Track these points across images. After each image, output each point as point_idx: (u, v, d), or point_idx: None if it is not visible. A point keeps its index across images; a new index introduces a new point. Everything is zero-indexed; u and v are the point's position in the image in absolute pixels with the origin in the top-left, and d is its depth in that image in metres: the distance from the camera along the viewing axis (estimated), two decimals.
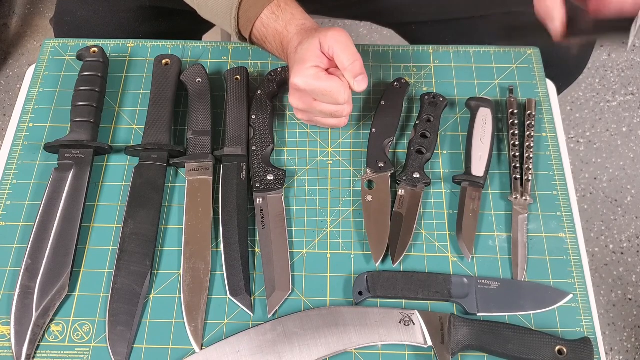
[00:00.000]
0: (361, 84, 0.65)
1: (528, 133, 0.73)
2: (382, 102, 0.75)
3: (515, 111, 0.74)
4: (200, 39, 0.99)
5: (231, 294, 0.63)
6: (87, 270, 0.65)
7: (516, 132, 0.73)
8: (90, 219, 0.68)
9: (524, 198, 0.69)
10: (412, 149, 0.72)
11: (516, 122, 0.74)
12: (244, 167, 0.70)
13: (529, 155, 0.71)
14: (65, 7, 0.89)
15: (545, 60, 0.80)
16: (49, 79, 0.78)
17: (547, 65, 0.80)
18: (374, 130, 0.73)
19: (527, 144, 0.72)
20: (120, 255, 0.64)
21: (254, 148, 0.71)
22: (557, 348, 0.58)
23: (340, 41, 0.63)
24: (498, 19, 0.88)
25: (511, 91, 0.77)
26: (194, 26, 0.93)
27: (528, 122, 0.74)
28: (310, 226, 0.68)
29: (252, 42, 0.71)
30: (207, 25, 0.98)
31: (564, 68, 0.87)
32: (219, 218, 0.67)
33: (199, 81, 0.75)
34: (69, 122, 0.72)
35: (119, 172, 0.71)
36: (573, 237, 0.68)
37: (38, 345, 0.60)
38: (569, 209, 0.69)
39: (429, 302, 0.63)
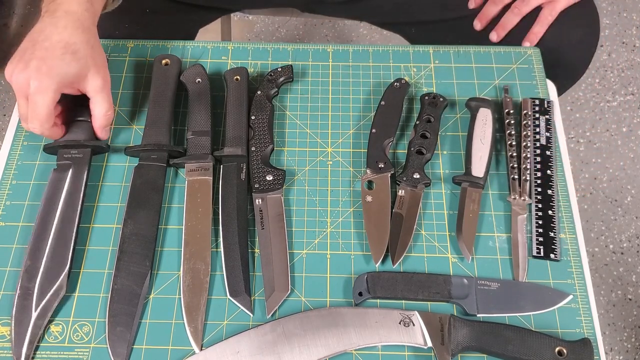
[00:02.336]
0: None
1: (525, 133, 0.73)
2: (382, 102, 0.75)
3: (511, 111, 0.74)
4: (193, 33, 0.99)
5: (231, 295, 0.63)
6: (87, 270, 0.65)
7: (513, 132, 0.73)
8: (90, 220, 0.68)
9: (522, 198, 0.69)
10: (412, 149, 0.72)
11: (512, 122, 0.74)
12: (244, 167, 0.70)
13: (526, 155, 0.71)
14: None
15: (545, 61, 0.80)
16: None
17: (547, 67, 0.80)
18: (374, 130, 0.73)
19: (524, 143, 0.72)
20: (120, 255, 0.64)
21: (253, 149, 0.71)
22: (557, 349, 0.58)
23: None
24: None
25: (506, 91, 0.77)
26: (181, 18, 0.93)
27: (524, 122, 0.74)
28: (310, 226, 0.68)
29: None
30: (197, 19, 0.97)
31: (564, 69, 0.87)
32: (218, 218, 0.67)
33: (198, 81, 0.75)
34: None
35: (118, 173, 0.71)
36: (573, 237, 0.67)
37: (37, 346, 0.60)
38: (569, 209, 0.69)
39: (428, 302, 0.63)
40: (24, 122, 0.67)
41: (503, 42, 0.87)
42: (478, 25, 0.89)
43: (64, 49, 0.64)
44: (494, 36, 0.87)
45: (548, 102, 0.75)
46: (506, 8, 0.86)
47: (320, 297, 0.64)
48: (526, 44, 0.84)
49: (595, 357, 0.59)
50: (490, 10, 0.87)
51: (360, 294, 0.63)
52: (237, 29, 1.81)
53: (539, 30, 0.84)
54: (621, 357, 1.33)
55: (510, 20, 0.85)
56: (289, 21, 1.82)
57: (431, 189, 0.71)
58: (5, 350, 0.60)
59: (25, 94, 0.64)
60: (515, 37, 0.85)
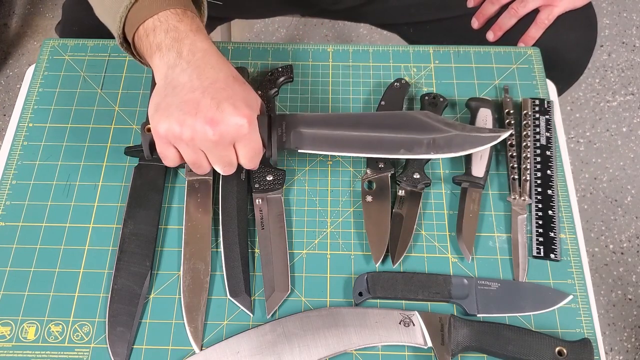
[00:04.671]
0: None
1: (525, 133, 0.73)
2: (382, 102, 0.75)
3: (512, 111, 0.74)
4: None
5: (231, 295, 0.63)
6: (87, 270, 0.65)
7: (513, 132, 0.73)
8: (89, 219, 0.68)
9: (522, 198, 0.69)
10: None
11: (512, 122, 0.74)
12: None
13: (526, 155, 0.71)
14: (71, 15, 0.88)
15: (545, 62, 0.80)
16: (49, 79, 0.78)
17: (546, 67, 0.80)
18: None
19: (524, 143, 0.72)
20: (120, 255, 0.64)
21: None
22: (557, 349, 0.58)
23: None
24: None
25: (506, 91, 0.76)
26: None
27: (524, 122, 0.74)
28: (310, 227, 0.68)
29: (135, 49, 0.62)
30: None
31: (562, 70, 0.87)
32: (218, 218, 0.67)
33: None
34: (68, 123, 0.72)
35: (118, 173, 0.71)
36: (573, 237, 0.67)
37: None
38: (569, 209, 0.69)
39: (429, 303, 0.63)
40: (225, 168, 0.61)
41: (500, 42, 0.87)
42: (476, 23, 0.89)
43: (238, 80, 0.59)
44: (490, 35, 0.87)
45: (548, 102, 0.75)
46: (505, 7, 0.86)
47: (320, 297, 0.64)
48: (521, 45, 0.84)
49: (595, 357, 0.59)
50: (488, 9, 0.87)
51: (360, 294, 0.63)
52: (237, 29, 1.81)
53: (534, 33, 0.84)
54: (621, 357, 1.33)
55: (507, 21, 0.85)
56: (289, 21, 1.82)
57: (431, 189, 0.71)
58: (5, 350, 0.60)
59: (229, 140, 0.57)
60: (512, 38, 0.86)
